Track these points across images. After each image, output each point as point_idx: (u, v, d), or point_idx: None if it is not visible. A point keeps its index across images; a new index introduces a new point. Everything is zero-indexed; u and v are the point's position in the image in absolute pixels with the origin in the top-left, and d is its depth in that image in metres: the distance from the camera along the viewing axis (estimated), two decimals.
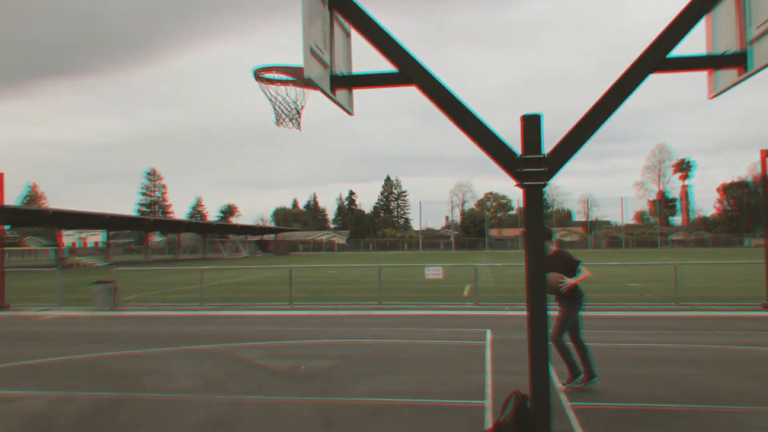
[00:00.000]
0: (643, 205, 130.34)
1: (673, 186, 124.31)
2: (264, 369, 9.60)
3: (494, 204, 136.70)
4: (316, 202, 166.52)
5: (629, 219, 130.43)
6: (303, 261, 65.00)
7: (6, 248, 21.49)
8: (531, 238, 5.80)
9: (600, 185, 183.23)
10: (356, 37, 7.02)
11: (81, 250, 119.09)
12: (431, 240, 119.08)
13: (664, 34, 5.64)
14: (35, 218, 60.90)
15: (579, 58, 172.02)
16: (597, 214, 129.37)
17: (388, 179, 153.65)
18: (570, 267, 8.42)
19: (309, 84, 6.10)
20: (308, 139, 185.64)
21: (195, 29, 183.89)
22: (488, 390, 8.14)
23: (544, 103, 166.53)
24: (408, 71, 6.00)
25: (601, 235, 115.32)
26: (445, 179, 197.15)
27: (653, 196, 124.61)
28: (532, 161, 5.76)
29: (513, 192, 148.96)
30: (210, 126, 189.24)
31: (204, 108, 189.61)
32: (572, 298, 8.41)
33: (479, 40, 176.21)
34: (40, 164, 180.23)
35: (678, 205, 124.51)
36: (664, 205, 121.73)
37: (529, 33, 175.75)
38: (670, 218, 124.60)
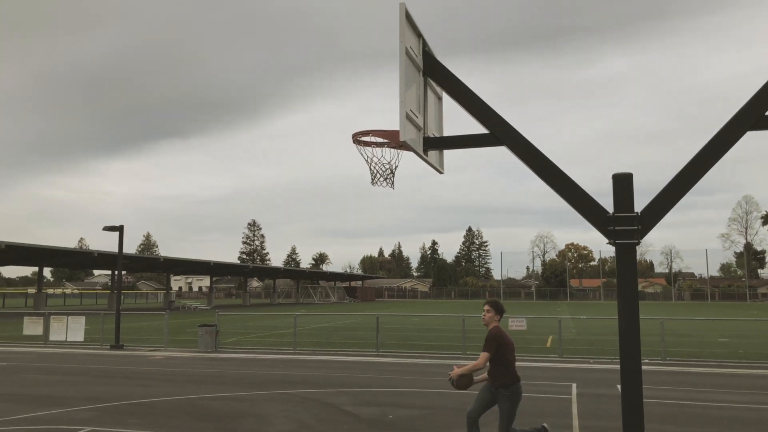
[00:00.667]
0: (729, 257, 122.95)
1: (761, 238, 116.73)
2: (353, 416, 9.45)
3: (575, 255, 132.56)
4: (400, 251, 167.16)
5: (714, 271, 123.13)
6: (388, 307, 64.83)
7: (123, 291, 22.52)
8: (623, 294, 5.47)
9: (683, 237, 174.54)
10: (447, 99, 7.03)
11: (188, 293, 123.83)
12: (512, 289, 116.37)
13: (761, 93, 5.31)
14: (149, 265, 63.97)
15: (655, 113, 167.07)
16: (680, 265, 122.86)
17: (469, 230, 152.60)
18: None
19: (403, 146, 6.11)
20: (394, 191, 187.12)
21: (294, 93, 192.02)
22: None
23: (621, 157, 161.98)
24: (498, 132, 5.91)
25: (684, 287, 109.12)
26: (525, 230, 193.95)
27: (739, 248, 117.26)
28: (624, 219, 5.49)
29: (594, 243, 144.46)
30: (305, 180, 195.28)
31: (300, 164, 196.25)
32: (507, 389, 6.96)
33: (557, 96, 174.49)
34: (155, 216, 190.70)
35: (767, 257, 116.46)
36: (751, 257, 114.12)
37: (606, 89, 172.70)
38: (759, 270, 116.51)
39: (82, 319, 21.83)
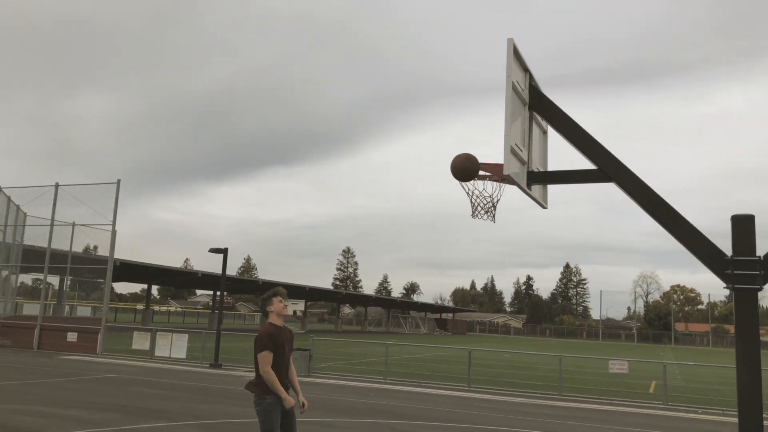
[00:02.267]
0: None
1: None
2: None
3: (681, 297, 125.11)
4: (493, 285, 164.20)
5: None
6: (480, 342, 63.59)
7: (222, 312, 23.47)
8: (743, 342, 5.10)
9: None
10: (552, 134, 6.92)
11: None
12: (611, 330, 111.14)
13: None
14: (248, 287, 66.39)
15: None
16: None
17: (567, 266, 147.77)
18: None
19: (506, 180, 6.05)
20: (489, 224, 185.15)
21: (393, 125, 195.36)
22: None
23: (736, 197, 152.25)
24: (606, 168, 5.73)
25: None
26: (626, 269, 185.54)
27: None
28: (745, 263, 5.14)
29: (703, 285, 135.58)
30: (401, 211, 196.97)
31: (396, 194, 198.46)
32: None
33: (665, 132, 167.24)
34: (255, 239, 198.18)
35: None
36: None
37: (719, 126, 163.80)
38: None
39: (185, 337, 22.91)
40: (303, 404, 5.92)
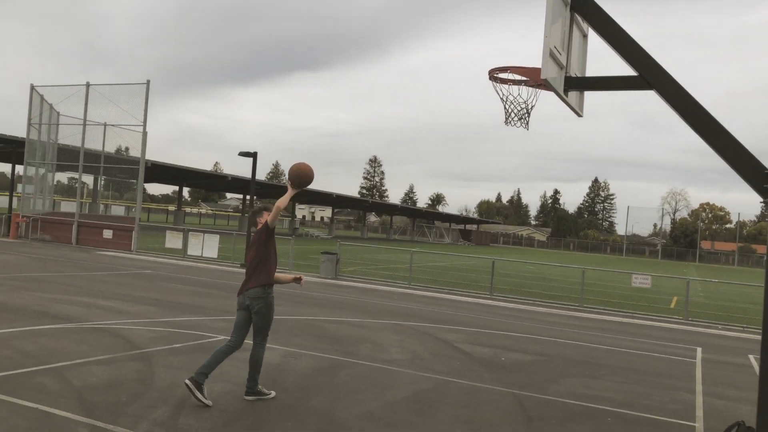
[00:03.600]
0: None
1: None
2: (465, 353, 9.58)
3: (710, 215, 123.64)
4: (519, 198, 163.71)
5: None
6: (503, 253, 64.25)
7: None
8: None
9: None
10: (592, 39, 6.62)
11: (310, 222, 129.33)
12: (636, 246, 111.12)
13: None
14: (276, 192, 67.17)
15: None
16: None
17: (595, 180, 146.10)
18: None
19: (542, 85, 5.87)
20: (517, 137, 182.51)
21: (424, 30, 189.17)
22: (699, 412, 7.32)
23: None
24: (648, 75, 5.50)
25: None
26: (655, 185, 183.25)
27: None
28: None
29: (733, 204, 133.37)
30: (428, 120, 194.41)
31: (425, 103, 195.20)
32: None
33: (708, 45, 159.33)
34: (284, 146, 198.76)
35: None
36: None
37: (762, 38, 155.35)
38: None
39: (217, 238, 23.52)
40: (300, 278, 6.85)
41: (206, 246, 23.39)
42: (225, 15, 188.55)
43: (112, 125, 26.76)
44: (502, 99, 6.13)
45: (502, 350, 10.10)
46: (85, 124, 26.84)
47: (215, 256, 23.13)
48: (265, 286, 6.17)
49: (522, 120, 6.15)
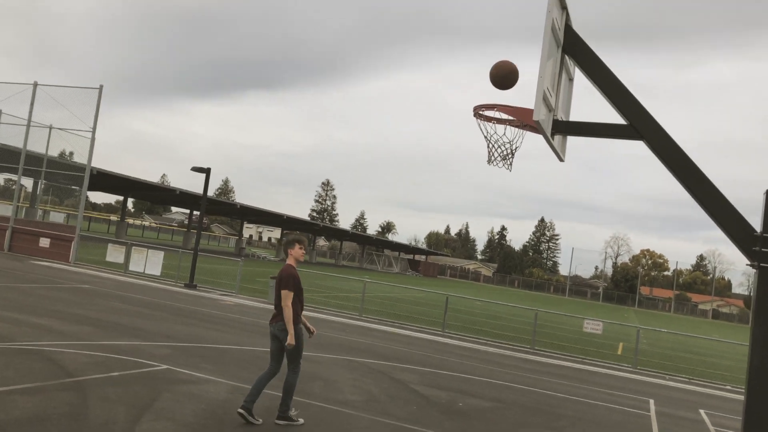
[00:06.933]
0: None
1: None
2: (423, 396, 9.20)
3: (649, 261, 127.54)
4: (467, 231, 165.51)
5: None
6: (452, 287, 64.40)
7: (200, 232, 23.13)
8: (761, 322, 4.89)
9: None
10: (577, 83, 6.49)
11: (257, 242, 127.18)
12: (578, 287, 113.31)
13: None
14: (226, 209, 65.86)
15: (755, 125, 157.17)
16: None
17: (542, 220, 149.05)
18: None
19: (529, 126, 5.66)
20: (468, 171, 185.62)
21: (383, 59, 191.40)
22: None
23: (713, 168, 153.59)
24: (639, 125, 5.36)
25: None
26: (599, 229, 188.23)
27: None
28: None
29: (671, 252, 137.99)
30: (382, 148, 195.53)
31: (379, 131, 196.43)
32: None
33: (654, 97, 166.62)
34: (234, 162, 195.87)
35: None
36: None
37: (706, 95, 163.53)
38: None
39: (161, 255, 22.56)
40: (312, 331, 7.26)
41: (150, 262, 22.39)
42: (184, 27, 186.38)
43: (59, 128, 25.59)
44: (486, 137, 5.89)
45: (459, 394, 9.76)
46: (29, 125, 25.59)
47: (158, 273, 22.16)
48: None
49: (505, 160, 5.92)
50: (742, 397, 14.49)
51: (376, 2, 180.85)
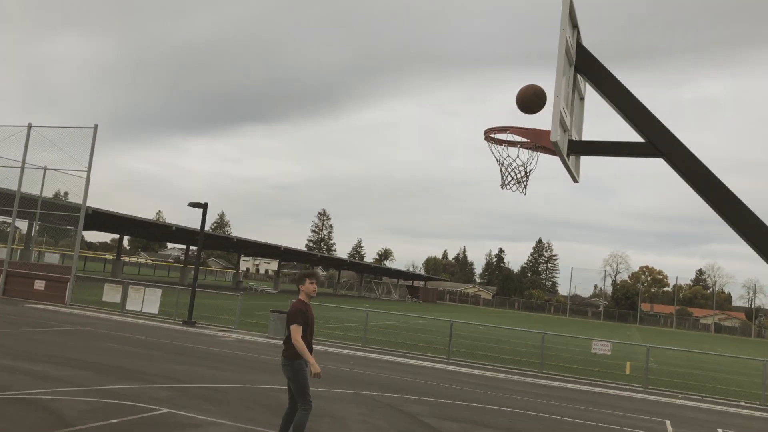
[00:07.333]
0: None
1: None
2: (434, 429, 8.83)
3: (649, 278, 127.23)
4: (465, 255, 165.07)
5: None
6: (453, 312, 63.85)
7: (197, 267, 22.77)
8: None
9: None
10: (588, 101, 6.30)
11: (254, 275, 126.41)
12: (579, 307, 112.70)
13: None
14: (222, 243, 65.40)
15: (744, 141, 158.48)
16: (762, 301, 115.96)
17: (539, 241, 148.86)
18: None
19: (543, 148, 5.44)
20: (463, 195, 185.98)
21: (376, 89, 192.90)
22: None
23: None
24: (659, 142, 5.14)
25: (766, 323, 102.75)
26: (597, 248, 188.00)
27: None
28: None
29: (670, 268, 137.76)
30: (377, 176, 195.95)
31: (374, 159, 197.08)
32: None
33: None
34: (230, 196, 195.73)
35: None
36: None
37: (698, 113, 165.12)
38: None
39: (159, 292, 22.16)
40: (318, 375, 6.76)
41: (147, 300, 21.97)
42: (177, 67, 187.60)
43: (53, 169, 25.34)
44: (498, 161, 5.66)
45: (471, 425, 9.39)
46: (23, 167, 25.34)
47: (156, 311, 21.73)
48: (290, 358, 6.55)
49: (520, 184, 5.68)
50: (758, 414, 14.13)
51: (368, 34, 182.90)
